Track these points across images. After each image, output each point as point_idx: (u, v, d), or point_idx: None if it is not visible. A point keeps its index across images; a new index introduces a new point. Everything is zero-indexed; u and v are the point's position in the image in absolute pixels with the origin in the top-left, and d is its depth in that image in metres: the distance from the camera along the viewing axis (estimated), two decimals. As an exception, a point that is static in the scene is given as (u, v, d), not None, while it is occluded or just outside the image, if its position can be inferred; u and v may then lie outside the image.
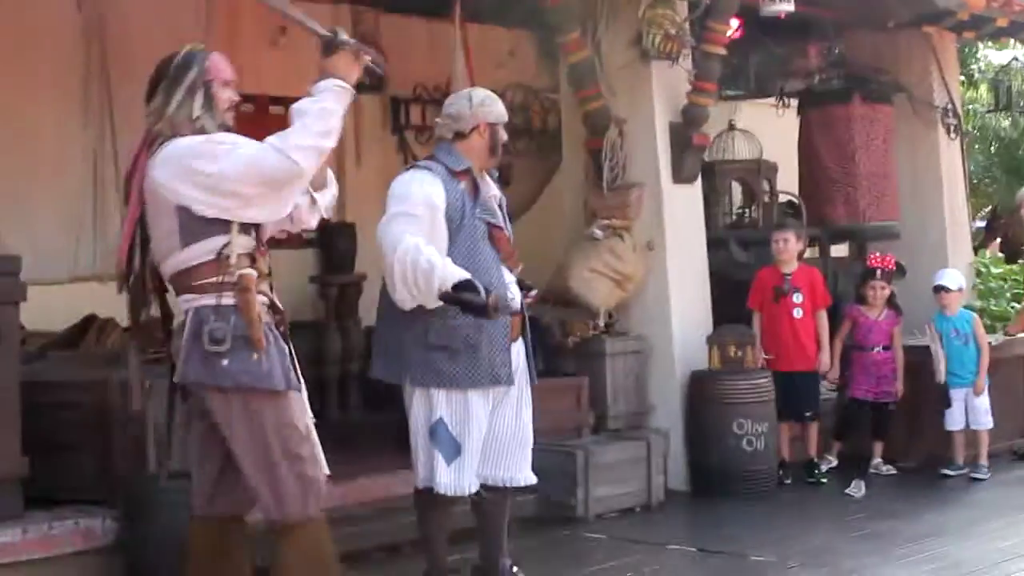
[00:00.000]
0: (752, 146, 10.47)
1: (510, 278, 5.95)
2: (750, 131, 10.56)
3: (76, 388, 6.49)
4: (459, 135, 5.96)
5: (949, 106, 11.20)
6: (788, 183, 10.66)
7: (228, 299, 4.60)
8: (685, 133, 8.92)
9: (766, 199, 10.26)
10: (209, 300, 4.59)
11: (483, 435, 5.89)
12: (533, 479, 6.16)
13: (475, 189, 5.94)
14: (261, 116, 10.50)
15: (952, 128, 11.23)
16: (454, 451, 5.77)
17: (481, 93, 6.12)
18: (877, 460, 9.21)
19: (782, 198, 10.43)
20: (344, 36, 4.78)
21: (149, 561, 5.96)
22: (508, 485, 6.05)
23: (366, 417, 9.55)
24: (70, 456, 6.33)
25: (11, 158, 8.89)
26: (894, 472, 9.14)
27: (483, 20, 10.68)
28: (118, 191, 9.37)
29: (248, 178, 4.66)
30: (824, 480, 8.85)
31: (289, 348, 4.81)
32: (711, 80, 9.04)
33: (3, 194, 8.85)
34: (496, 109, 6.05)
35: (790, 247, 8.94)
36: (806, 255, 10.08)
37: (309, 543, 4.74)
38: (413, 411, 5.82)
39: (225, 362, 4.54)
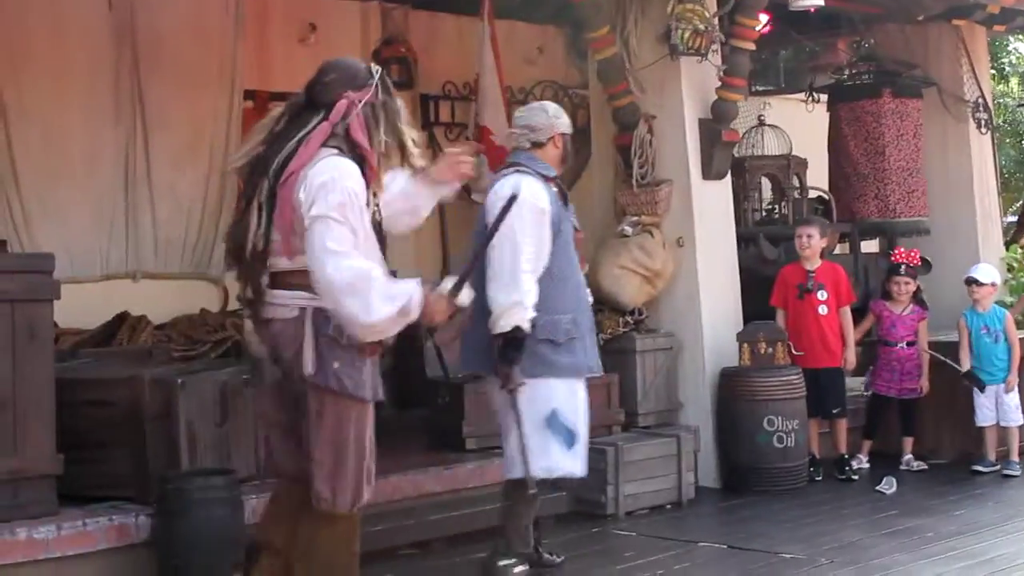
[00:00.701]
0: (782, 142, 10.45)
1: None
2: (780, 127, 10.53)
3: (109, 386, 6.51)
4: (536, 144, 6.41)
5: (980, 100, 11.16)
6: (818, 179, 10.63)
7: None
8: (714, 129, 8.90)
9: (796, 195, 10.23)
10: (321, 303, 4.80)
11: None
12: None
13: (563, 194, 6.45)
14: (291, 114, 10.52)
15: (983, 122, 11.19)
16: (570, 438, 6.19)
17: (553, 106, 6.63)
18: (908, 456, 9.20)
19: (812, 194, 10.40)
20: (465, 303, 4.88)
21: (182, 557, 5.99)
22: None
23: (394, 415, 9.57)
24: (103, 453, 6.36)
25: (43, 157, 8.96)
26: (925, 468, 9.12)
27: (512, 17, 10.73)
28: (150, 189, 9.49)
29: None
30: (855, 477, 8.83)
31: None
32: (740, 76, 9.02)
33: (36, 193, 8.92)
34: (567, 120, 6.57)
35: (814, 243, 8.89)
36: (836, 250, 10.07)
37: (347, 533, 5.00)
38: (521, 402, 6.05)
39: (336, 364, 4.80)
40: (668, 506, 8.08)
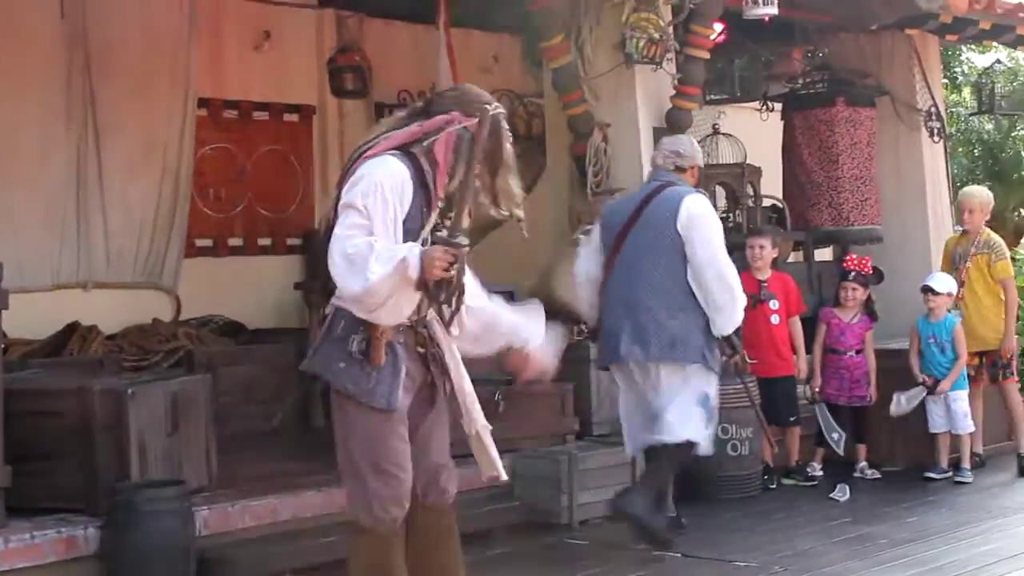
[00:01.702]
0: (736, 150, 10.46)
1: None
2: (734, 135, 10.56)
3: (57, 396, 6.46)
4: (679, 169, 7.28)
5: (932, 109, 11.22)
6: (772, 187, 10.66)
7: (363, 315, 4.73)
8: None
9: (750, 203, 10.24)
10: (347, 306, 4.74)
11: None
12: None
13: None
14: (244, 122, 10.53)
15: (936, 131, 11.25)
16: (711, 419, 7.14)
17: (694, 141, 7.62)
18: (862, 464, 9.21)
19: (766, 202, 10.42)
20: (462, 243, 4.65)
21: (132, 570, 5.94)
22: None
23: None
24: (52, 465, 6.30)
25: (-7, 164, 8.88)
26: (879, 476, 9.13)
27: (467, 25, 10.71)
28: (102, 197, 9.42)
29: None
30: (804, 484, 8.83)
31: (421, 364, 4.89)
32: (695, 84, 9.04)
33: (-14, 201, 8.85)
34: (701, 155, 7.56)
35: (765, 254, 8.86)
36: (791, 259, 10.11)
37: (367, 550, 4.85)
38: (692, 383, 7.01)
39: (342, 365, 4.74)
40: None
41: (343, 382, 4.76)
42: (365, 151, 4.80)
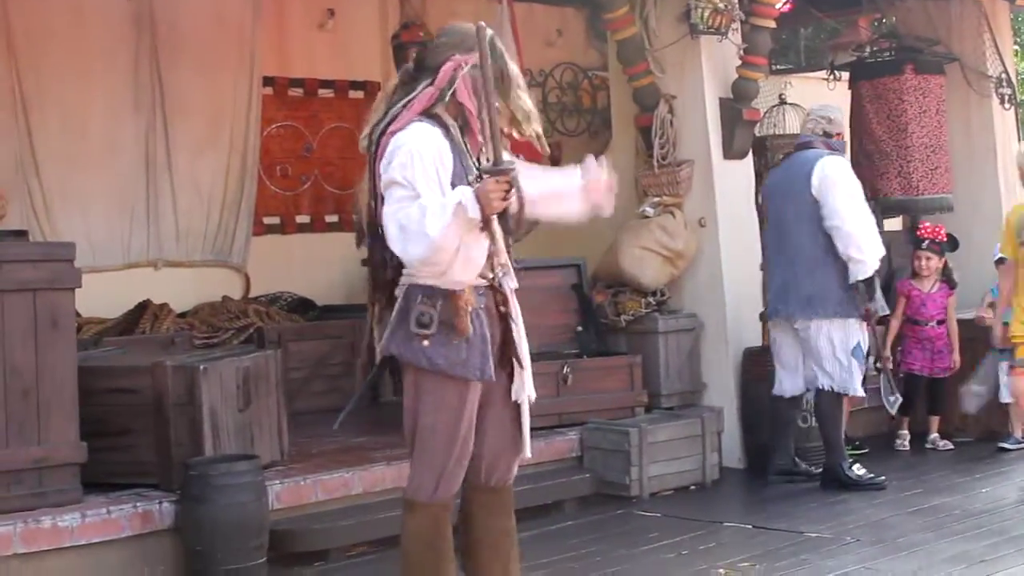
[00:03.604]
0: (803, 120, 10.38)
1: None
2: (801, 105, 10.48)
3: (131, 373, 6.52)
4: (826, 134, 8.08)
5: (1003, 75, 11.07)
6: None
7: (439, 282, 4.64)
8: (735, 108, 8.86)
9: (819, 173, 10.16)
10: (422, 280, 4.66)
11: None
12: None
13: None
14: (310, 99, 10.58)
15: (1006, 98, 11.10)
16: (863, 366, 7.92)
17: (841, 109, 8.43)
18: (934, 435, 9.14)
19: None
20: (512, 167, 4.54)
21: (207, 543, 6.00)
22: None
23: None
24: (127, 441, 6.38)
25: (64, 145, 9.01)
26: (951, 448, 9.05)
27: (530, -1, 10.68)
28: (170, 177, 9.52)
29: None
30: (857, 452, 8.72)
31: (504, 329, 4.83)
32: (761, 54, 8.98)
33: (57, 181, 8.97)
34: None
35: None
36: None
37: (423, 525, 4.82)
38: (837, 336, 7.81)
39: (426, 343, 4.65)
40: (692, 487, 8.06)
41: (431, 359, 4.65)
42: (386, 128, 4.70)
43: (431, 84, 4.73)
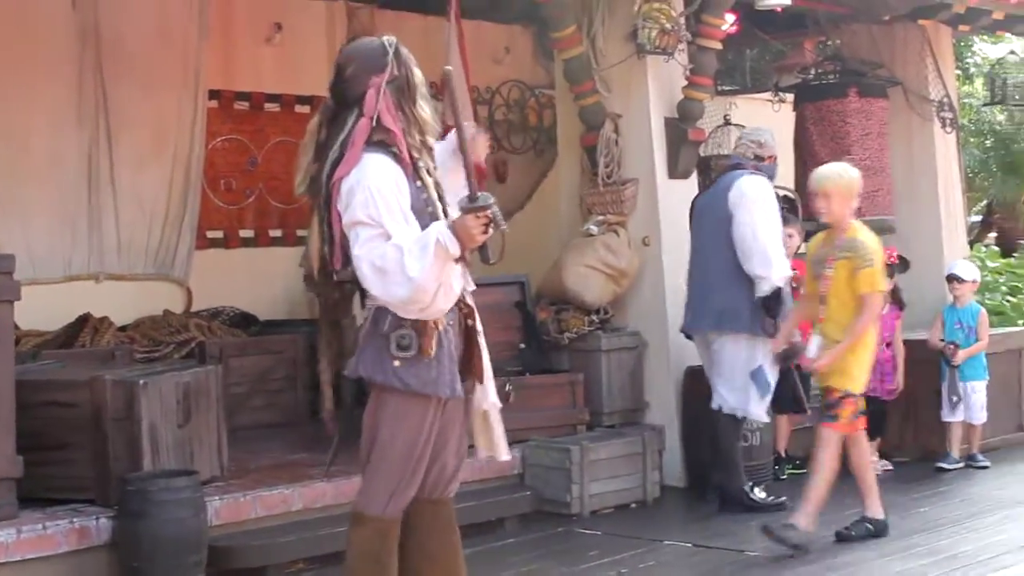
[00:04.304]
0: (749, 141, 10.44)
1: None
2: (746, 126, 10.53)
3: (70, 387, 6.47)
4: (757, 157, 8.07)
5: (945, 99, 11.19)
6: (784, 178, 10.63)
7: (421, 315, 4.63)
8: (680, 128, 8.91)
9: (762, 194, 10.23)
10: (397, 309, 4.63)
11: None
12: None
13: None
14: (256, 113, 10.53)
15: (948, 122, 11.22)
16: (767, 390, 7.79)
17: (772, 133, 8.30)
18: (874, 457, 9.16)
19: (778, 192, 10.40)
20: (488, 202, 4.54)
21: (144, 560, 5.96)
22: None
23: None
24: (64, 455, 6.32)
25: (5, 157, 8.92)
26: (890, 468, 9.11)
27: (478, 17, 10.70)
28: (113, 189, 9.45)
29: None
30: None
31: (469, 342, 4.85)
32: (707, 75, 9.04)
33: (-2, 193, 8.87)
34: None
35: (793, 243, 8.83)
36: (801, 249, 10.07)
37: (372, 538, 4.80)
38: (743, 355, 7.75)
39: (397, 363, 4.65)
40: (633, 505, 8.08)
41: (403, 379, 4.65)
42: (331, 170, 4.65)
43: (361, 115, 4.69)
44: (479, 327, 4.92)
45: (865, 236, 7.07)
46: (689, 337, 8.27)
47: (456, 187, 4.86)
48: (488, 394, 4.99)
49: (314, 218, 4.76)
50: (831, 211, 7.05)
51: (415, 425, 4.73)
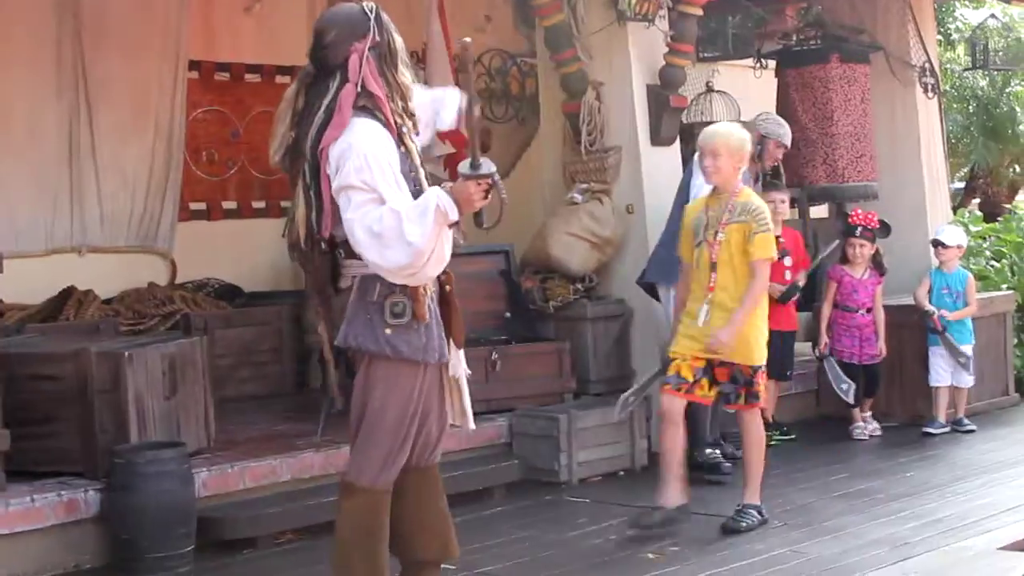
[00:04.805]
0: (730, 108, 10.45)
1: None
2: (728, 93, 10.54)
3: (55, 360, 6.46)
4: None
5: (927, 65, 11.18)
6: (766, 145, 10.63)
7: (409, 281, 4.61)
8: (662, 95, 8.89)
9: (745, 161, 10.24)
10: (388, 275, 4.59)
11: None
12: None
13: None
14: (236, 84, 10.48)
15: (930, 87, 11.22)
16: None
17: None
18: (867, 415, 9.17)
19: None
20: (491, 169, 4.55)
21: (132, 531, 5.96)
22: None
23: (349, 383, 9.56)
24: (51, 428, 6.32)
25: (-16, 130, 8.85)
26: (879, 433, 9.12)
27: (459, -16, 10.62)
28: (95, 161, 9.40)
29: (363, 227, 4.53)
30: (782, 439, 8.81)
31: (448, 309, 4.84)
32: (688, 41, 9.01)
33: (-23, 166, 8.81)
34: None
35: (782, 209, 8.81)
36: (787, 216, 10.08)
37: (363, 509, 4.77)
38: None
39: (388, 331, 4.63)
40: (621, 473, 8.09)
41: (395, 346, 4.63)
42: (318, 134, 4.61)
43: (345, 81, 4.65)
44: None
45: (757, 200, 6.78)
46: (648, 291, 8.26)
47: (425, 140, 4.95)
48: (461, 361, 4.98)
49: (298, 185, 4.72)
50: (719, 169, 6.61)
51: (405, 393, 4.72)
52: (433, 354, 4.73)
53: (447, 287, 4.84)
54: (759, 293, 6.60)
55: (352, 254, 4.64)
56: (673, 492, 6.62)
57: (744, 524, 6.67)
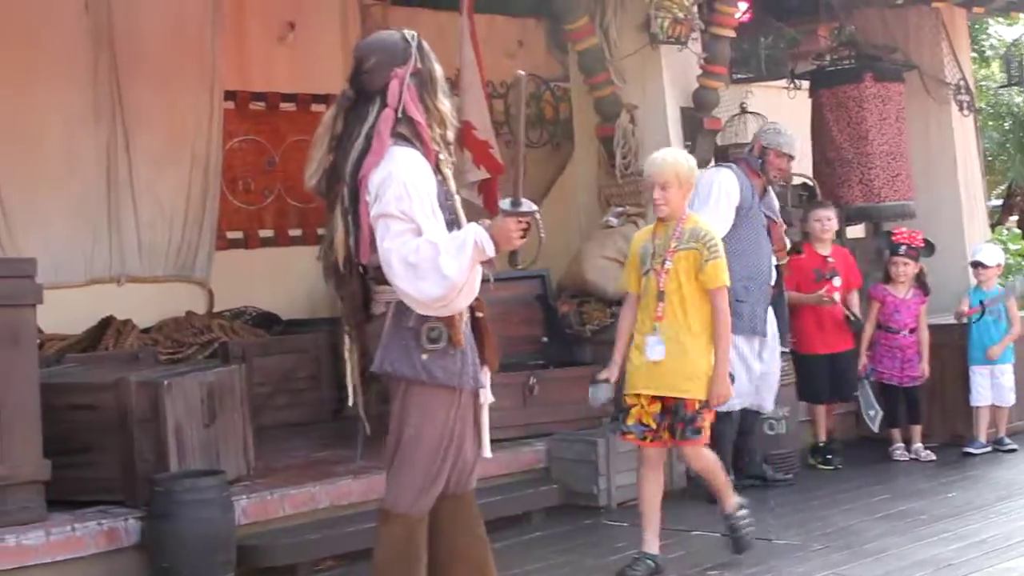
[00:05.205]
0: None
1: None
2: (761, 114, 10.52)
3: (95, 389, 6.48)
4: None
5: (961, 82, 11.15)
6: (801, 165, 10.60)
7: (438, 313, 4.59)
8: (696, 117, 8.90)
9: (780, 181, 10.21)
10: (419, 308, 4.58)
11: (753, 371, 7.88)
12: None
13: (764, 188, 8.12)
14: (272, 113, 10.55)
15: (965, 105, 11.18)
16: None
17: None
18: (916, 445, 9.04)
19: (796, 180, 10.38)
20: (531, 208, 4.54)
21: (172, 560, 5.96)
22: (760, 410, 8.14)
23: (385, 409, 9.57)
24: (91, 458, 6.33)
25: (23, 160, 8.94)
26: (933, 458, 8.96)
27: (491, 11, 10.69)
28: (132, 191, 9.47)
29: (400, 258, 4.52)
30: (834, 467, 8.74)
31: (480, 335, 4.82)
32: (721, 63, 9.02)
33: (17, 196, 8.90)
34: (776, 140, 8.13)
35: (831, 226, 8.78)
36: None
37: (400, 536, 4.75)
38: None
39: (425, 357, 4.61)
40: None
41: (431, 372, 4.61)
42: (358, 160, 4.61)
43: (385, 105, 4.66)
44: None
45: (707, 225, 6.37)
46: None
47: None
48: (488, 389, 4.96)
49: (336, 210, 4.71)
50: (668, 201, 6.21)
51: (441, 419, 4.71)
52: (468, 380, 4.72)
53: (478, 313, 4.82)
54: (725, 325, 6.21)
55: (384, 280, 4.63)
56: (653, 538, 6.36)
57: (742, 535, 6.54)
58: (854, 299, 8.89)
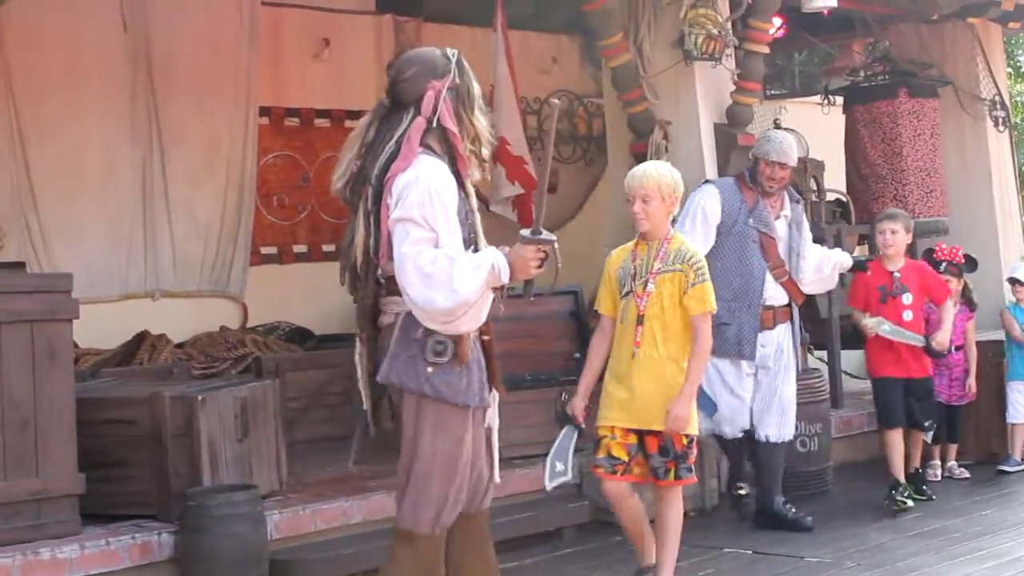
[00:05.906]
0: (798, 145, 10.39)
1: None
2: (796, 130, 10.49)
3: (129, 404, 6.53)
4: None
5: (997, 98, 11.12)
6: (835, 181, 10.59)
7: (441, 328, 4.60)
8: (730, 133, 8.89)
9: (814, 198, 10.18)
10: (425, 319, 4.60)
11: (740, 397, 7.58)
12: (787, 436, 7.74)
13: (756, 201, 7.70)
14: (306, 129, 10.60)
15: (1000, 120, 11.14)
16: (711, 407, 7.42)
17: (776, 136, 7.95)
18: (951, 463, 8.99)
19: (830, 196, 10.36)
20: (551, 238, 4.58)
21: (205, 573, 5.99)
22: (767, 439, 7.64)
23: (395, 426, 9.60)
24: (125, 471, 6.38)
25: (61, 177, 9.03)
26: (967, 476, 8.91)
27: (525, 27, 10.73)
28: (167, 207, 9.54)
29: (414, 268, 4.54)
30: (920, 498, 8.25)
31: (486, 358, 4.82)
32: (755, 79, 9.01)
33: (54, 213, 8.98)
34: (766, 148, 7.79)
35: (899, 239, 8.10)
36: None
37: (425, 556, 4.73)
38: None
39: (430, 369, 4.61)
40: (692, 512, 8.01)
41: (435, 386, 4.60)
42: (387, 163, 4.64)
43: (418, 115, 4.69)
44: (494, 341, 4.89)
45: (692, 246, 6.01)
46: None
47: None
48: (495, 412, 4.94)
49: (359, 212, 4.74)
50: (649, 215, 5.88)
51: (457, 437, 4.68)
52: (473, 397, 4.69)
53: (485, 337, 4.82)
54: (704, 354, 5.84)
55: (394, 291, 4.65)
56: (651, 549, 6.08)
57: None
58: (948, 313, 8.22)
